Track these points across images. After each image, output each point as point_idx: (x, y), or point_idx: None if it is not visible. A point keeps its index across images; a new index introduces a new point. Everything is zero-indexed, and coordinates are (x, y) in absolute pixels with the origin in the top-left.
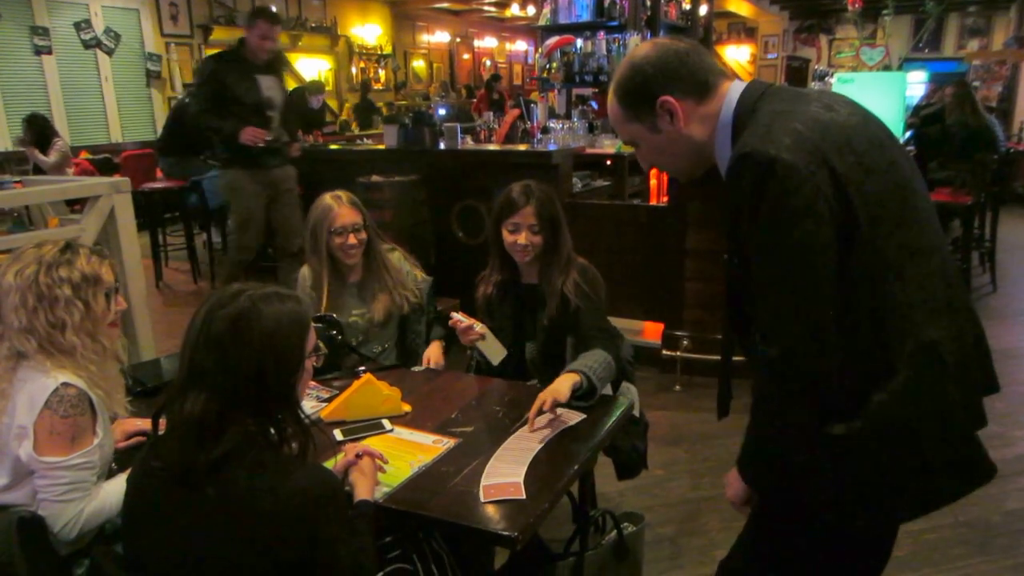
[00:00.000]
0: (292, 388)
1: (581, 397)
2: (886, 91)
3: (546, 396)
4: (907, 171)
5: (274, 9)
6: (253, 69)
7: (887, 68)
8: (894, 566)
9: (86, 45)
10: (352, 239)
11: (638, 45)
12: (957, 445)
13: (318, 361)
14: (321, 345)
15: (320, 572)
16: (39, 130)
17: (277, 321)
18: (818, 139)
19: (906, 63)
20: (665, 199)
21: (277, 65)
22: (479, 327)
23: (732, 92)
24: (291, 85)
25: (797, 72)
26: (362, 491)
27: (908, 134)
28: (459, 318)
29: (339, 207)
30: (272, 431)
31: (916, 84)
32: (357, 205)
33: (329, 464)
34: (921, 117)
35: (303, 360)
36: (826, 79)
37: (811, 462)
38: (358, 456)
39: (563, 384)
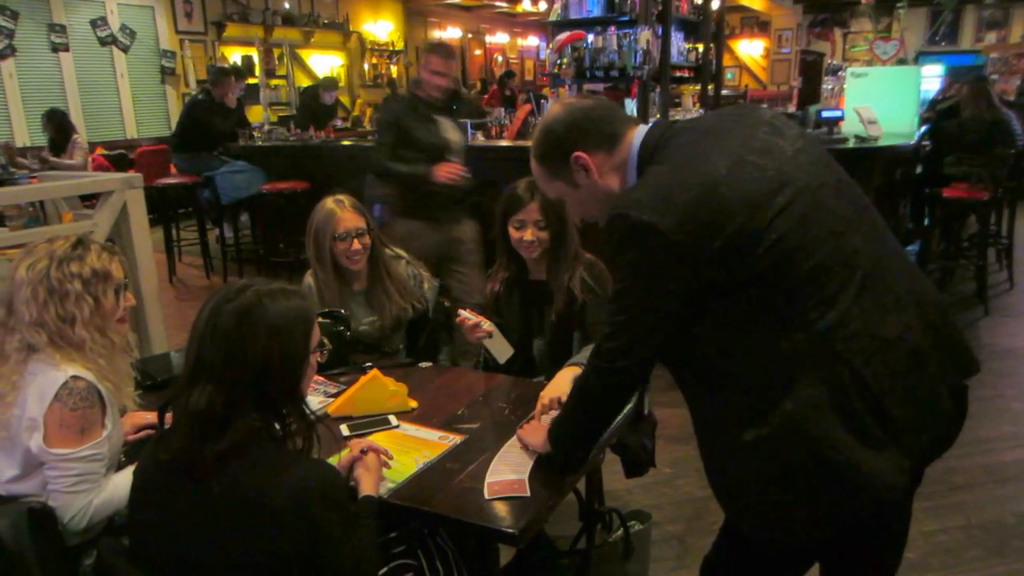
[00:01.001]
0: (297, 383)
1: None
2: (901, 85)
3: (550, 394)
4: (819, 195)
5: (291, 9)
6: (431, 109)
7: (902, 62)
8: (907, 568)
9: (102, 42)
10: (356, 244)
11: (549, 108)
12: (870, 457)
13: (322, 357)
14: (326, 341)
15: (323, 567)
16: (58, 125)
17: (282, 316)
18: (696, 201)
19: (922, 56)
20: None
21: (454, 104)
22: (487, 325)
23: (636, 138)
24: (304, 82)
25: (811, 66)
26: (367, 486)
27: (923, 129)
28: (467, 316)
29: (342, 212)
30: (276, 426)
31: (932, 78)
32: (360, 209)
33: (334, 459)
34: (937, 111)
35: (308, 355)
36: (839, 73)
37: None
38: (363, 452)
39: (564, 380)
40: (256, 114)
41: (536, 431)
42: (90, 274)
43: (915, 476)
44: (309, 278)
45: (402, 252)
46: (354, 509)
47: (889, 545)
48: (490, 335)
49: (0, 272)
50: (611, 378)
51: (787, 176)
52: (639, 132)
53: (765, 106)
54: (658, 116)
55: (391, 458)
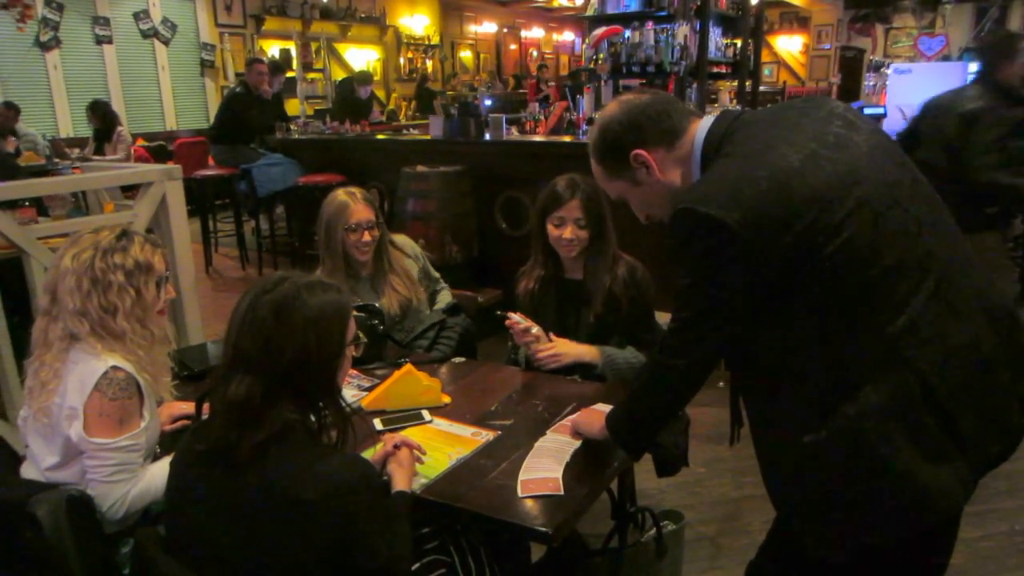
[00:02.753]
0: (333, 375)
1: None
2: (945, 82)
3: (559, 350)
4: (894, 194)
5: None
6: None
7: (946, 59)
8: (949, 574)
9: (144, 35)
10: (366, 236)
11: (605, 107)
12: (934, 468)
13: (358, 351)
14: (361, 335)
15: (357, 560)
16: (102, 116)
17: (320, 308)
18: (765, 195)
19: (967, 53)
20: None
21: None
22: (536, 329)
23: (699, 133)
24: (341, 76)
25: (851, 63)
26: (400, 482)
27: None
28: (517, 319)
29: (354, 204)
30: (312, 418)
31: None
32: (371, 202)
33: (368, 454)
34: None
35: (344, 348)
36: (881, 70)
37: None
38: (396, 447)
39: (582, 350)
40: (293, 107)
41: (592, 419)
42: (133, 266)
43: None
44: (319, 271)
45: (407, 247)
46: (387, 503)
47: (939, 557)
48: (538, 340)
49: (44, 261)
50: (672, 376)
51: (861, 172)
52: (703, 124)
53: (836, 100)
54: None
55: (424, 453)
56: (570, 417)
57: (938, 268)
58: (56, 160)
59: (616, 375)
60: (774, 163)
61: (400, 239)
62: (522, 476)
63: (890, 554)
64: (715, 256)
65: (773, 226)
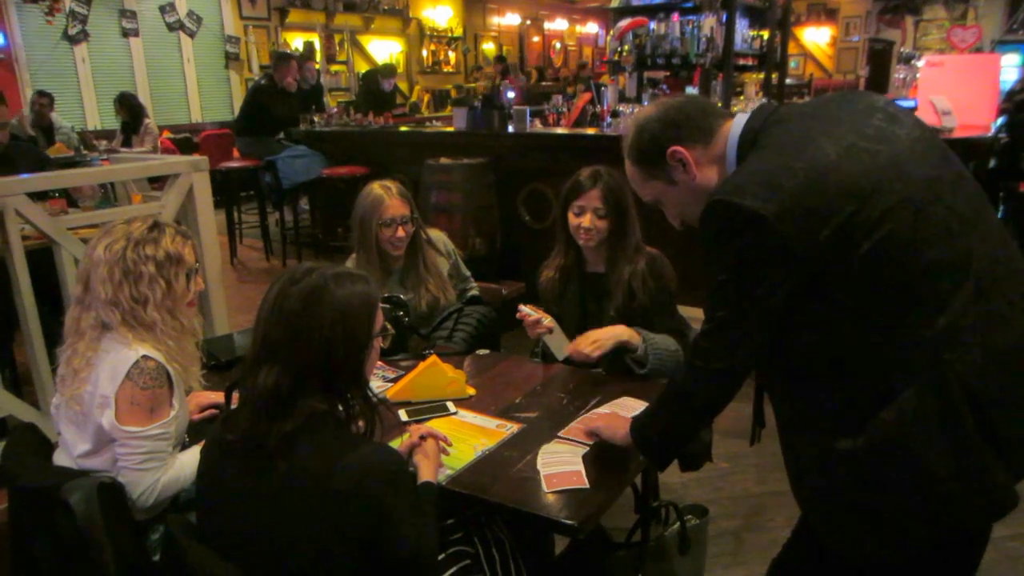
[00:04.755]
0: (360, 365)
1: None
2: (978, 75)
3: (596, 336)
4: (936, 189)
5: None
6: None
7: (979, 50)
8: None
9: (170, 28)
10: (400, 232)
11: (640, 109)
12: (974, 474)
13: (385, 342)
14: (389, 327)
15: (385, 549)
16: (129, 108)
17: (347, 299)
18: (803, 187)
19: (999, 45)
20: None
21: None
22: (547, 321)
23: (734, 129)
24: (364, 68)
25: (880, 55)
26: (426, 472)
27: (1000, 120)
28: (527, 311)
29: (390, 199)
30: (340, 408)
31: (1010, 68)
32: (407, 197)
33: (395, 444)
34: (1015, 103)
35: (371, 338)
36: (912, 62)
37: (680, 442)
38: (422, 438)
39: (619, 331)
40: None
41: (615, 424)
42: (164, 257)
43: None
44: (349, 263)
45: (439, 243)
46: (415, 495)
47: (968, 561)
48: (550, 331)
49: (73, 252)
50: (709, 381)
51: (902, 167)
52: (738, 121)
53: (877, 94)
54: (720, 105)
55: (450, 444)
56: (587, 419)
57: (981, 268)
58: (85, 152)
59: (656, 358)
60: (812, 155)
61: (434, 234)
62: (544, 471)
63: (921, 557)
64: (752, 250)
65: (811, 219)
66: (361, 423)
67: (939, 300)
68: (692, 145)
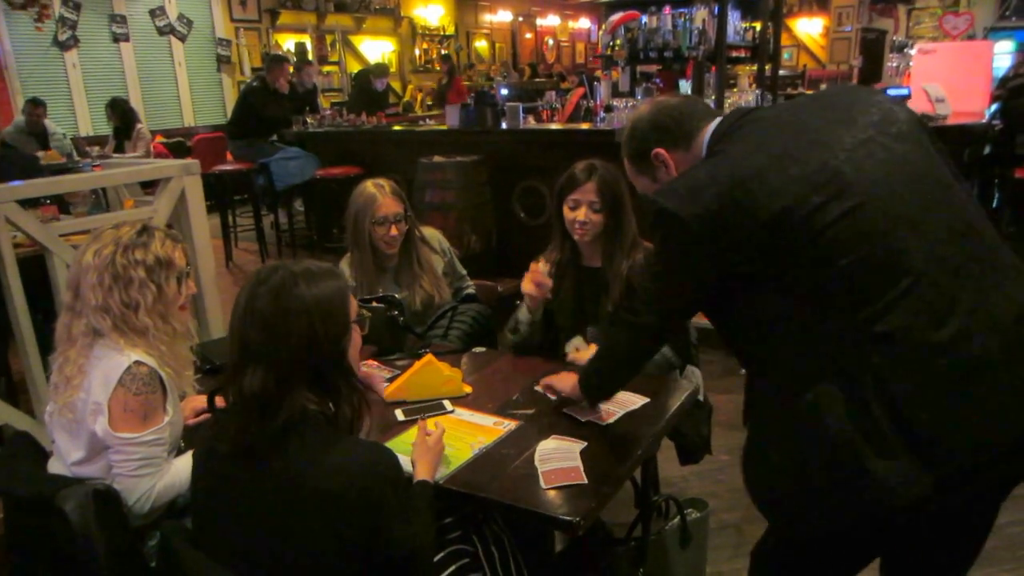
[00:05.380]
0: (343, 353)
1: None
2: (970, 62)
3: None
4: (868, 191)
5: None
6: None
7: (971, 38)
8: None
9: (160, 32)
10: (394, 230)
11: (639, 106)
12: (883, 463)
13: (364, 329)
14: (365, 312)
15: (380, 550)
16: (121, 114)
17: (318, 287)
18: (722, 196)
19: (992, 33)
20: None
21: None
22: (547, 287)
23: (708, 131)
24: (356, 68)
25: (873, 44)
26: (422, 471)
27: (994, 107)
28: (542, 271)
29: (383, 197)
30: (330, 404)
31: (1003, 55)
32: (400, 195)
33: (392, 444)
34: (1009, 89)
35: (349, 324)
36: (905, 50)
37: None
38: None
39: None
40: None
41: (565, 378)
42: (154, 261)
43: (972, 483)
44: (343, 263)
45: (434, 241)
46: (410, 494)
47: (947, 546)
48: (546, 298)
49: (66, 258)
50: (634, 332)
51: (836, 172)
52: (712, 125)
53: (871, 88)
54: (713, 97)
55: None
56: (546, 378)
57: (917, 267)
58: (77, 158)
59: None
60: (740, 165)
61: (428, 232)
62: (541, 468)
63: (887, 540)
64: (671, 243)
65: (726, 224)
66: (348, 410)
67: (864, 297)
68: (674, 148)
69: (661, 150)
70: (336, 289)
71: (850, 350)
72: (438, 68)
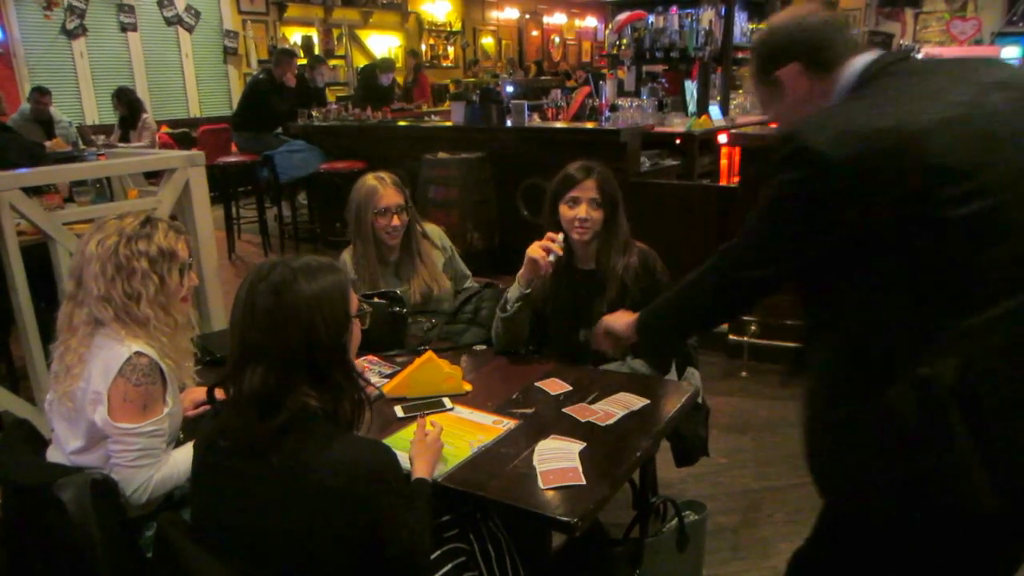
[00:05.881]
0: (344, 349)
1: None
2: None
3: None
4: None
5: None
6: None
7: (978, 43)
8: None
9: (168, 22)
10: (395, 220)
11: (783, 11)
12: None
13: (364, 323)
14: (365, 307)
15: (377, 547)
16: (127, 103)
17: (318, 284)
18: (878, 147)
19: (999, 38)
20: (736, 179)
21: None
22: (552, 262)
23: (855, 66)
24: (363, 63)
25: (879, 48)
26: (420, 469)
27: None
28: (558, 241)
29: (384, 188)
30: (331, 400)
31: (1010, 60)
32: (400, 187)
33: (391, 440)
34: None
35: (349, 319)
36: (913, 54)
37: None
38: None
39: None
40: None
41: (620, 317)
42: (157, 253)
43: None
44: (345, 254)
45: (435, 236)
46: (408, 491)
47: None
48: (549, 269)
49: (70, 247)
50: (724, 284)
51: (1004, 150)
52: (859, 61)
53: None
54: (719, 99)
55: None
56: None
57: None
58: (82, 147)
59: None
60: (905, 117)
61: (430, 228)
62: (540, 468)
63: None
64: (798, 187)
65: (873, 181)
66: (349, 407)
67: (987, 295)
68: (808, 67)
69: (796, 65)
70: (335, 284)
71: (949, 346)
72: (445, 64)
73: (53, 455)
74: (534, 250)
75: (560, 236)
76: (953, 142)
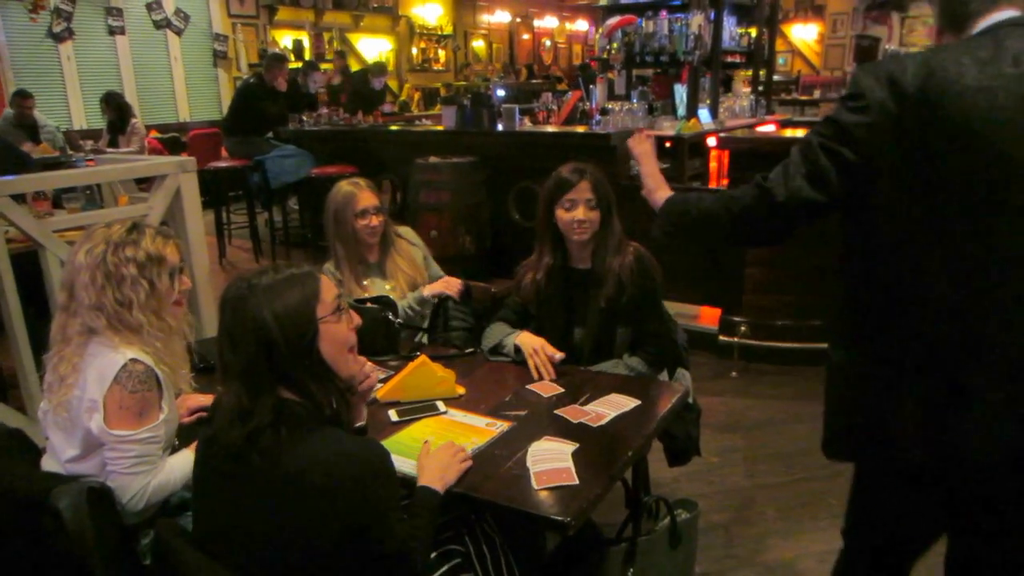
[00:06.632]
0: (310, 352)
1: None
2: None
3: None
4: None
5: None
6: None
7: None
8: None
9: (157, 26)
10: (375, 220)
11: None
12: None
13: (341, 320)
14: (343, 304)
15: (369, 546)
16: (116, 108)
17: (270, 289)
18: (921, 81)
19: None
20: (725, 182)
21: None
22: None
23: (988, 21)
24: (354, 67)
25: (867, 52)
26: (427, 478)
27: None
28: (555, 360)
29: (360, 192)
30: (309, 399)
31: None
32: (374, 189)
33: (387, 443)
34: None
35: (312, 317)
36: None
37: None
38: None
39: None
40: None
41: (658, 176)
42: (145, 258)
43: None
44: (328, 265)
45: (409, 236)
46: (412, 497)
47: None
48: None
49: (59, 254)
50: (756, 194)
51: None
52: (994, 17)
53: None
54: (708, 102)
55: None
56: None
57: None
58: (70, 152)
59: None
60: (944, 74)
61: (403, 229)
62: (533, 468)
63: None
64: (847, 113)
65: (925, 120)
66: (330, 408)
67: (989, 262)
68: (946, 27)
69: (937, 28)
70: (296, 290)
71: (945, 307)
72: (436, 68)
73: (48, 464)
74: (533, 361)
75: (558, 356)
76: (984, 105)
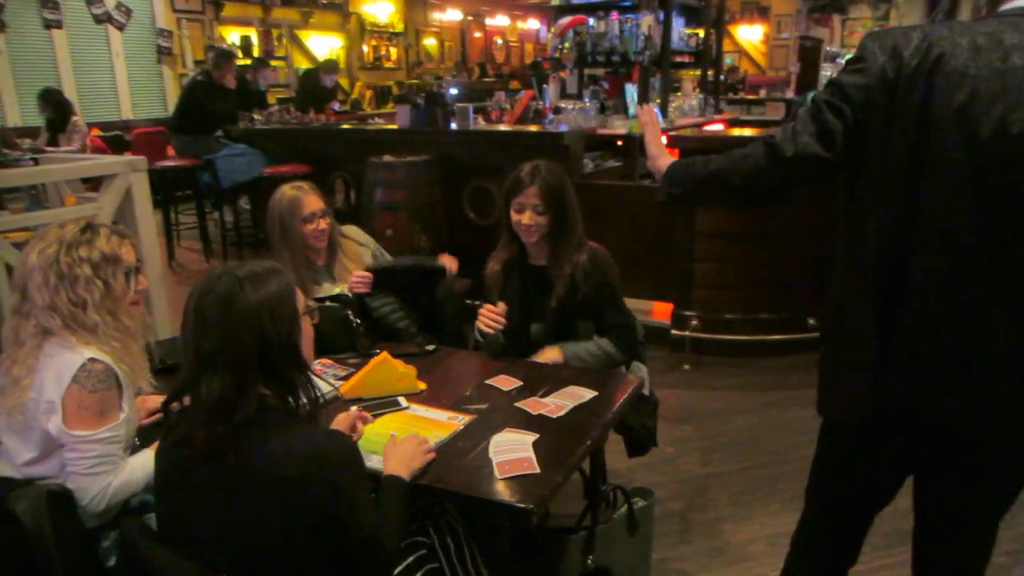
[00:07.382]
0: (295, 347)
1: None
2: None
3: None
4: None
5: None
6: None
7: None
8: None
9: (97, 20)
10: (322, 224)
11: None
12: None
13: (314, 317)
14: (311, 303)
15: (339, 535)
16: (55, 105)
17: (264, 288)
18: (920, 56)
19: None
20: None
21: None
22: (500, 325)
23: (1013, 4)
24: (303, 64)
25: (810, 52)
26: (393, 467)
27: None
28: (497, 311)
29: (306, 196)
30: (288, 395)
31: None
32: (319, 192)
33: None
34: None
35: (297, 318)
36: (837, 60)
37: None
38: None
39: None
40: None
41: (660, 145)
42: (99, 258)
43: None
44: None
45: (357, 235)
46: (381, 486)
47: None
48: (496, 334)
49: (4, 255)
50: (765, 148)
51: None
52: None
53: None
54: (659, 101)
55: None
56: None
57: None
58: (6, 151)
59: (579, 360)
60: (955, 37)
61: (348, 229)
62: (496, 459)
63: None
64: (848, 74)
65: (910, 97)
66: (305, 402)
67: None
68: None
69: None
70: (281, 286)
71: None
72: (388, 65)
73: (2, 469)
74: (481, 324)
75: (502, 307)
76: (977, 67)
